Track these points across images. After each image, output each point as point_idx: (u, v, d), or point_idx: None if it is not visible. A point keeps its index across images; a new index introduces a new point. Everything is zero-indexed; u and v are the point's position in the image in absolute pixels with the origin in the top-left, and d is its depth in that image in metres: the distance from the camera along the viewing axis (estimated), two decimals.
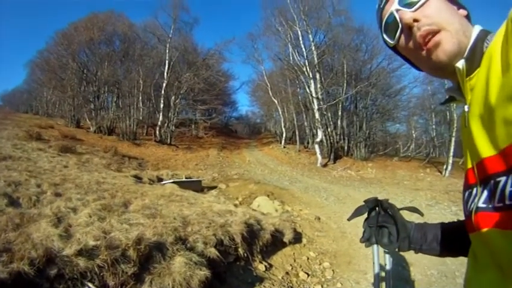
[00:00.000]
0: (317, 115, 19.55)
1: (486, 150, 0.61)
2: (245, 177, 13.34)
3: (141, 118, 25.10)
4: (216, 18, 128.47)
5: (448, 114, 19.19)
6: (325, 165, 18.31)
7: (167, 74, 24.83)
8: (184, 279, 2.77)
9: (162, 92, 24.79)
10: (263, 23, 25.28)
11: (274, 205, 7.87)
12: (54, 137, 15.61)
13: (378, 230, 1.05)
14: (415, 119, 24.87)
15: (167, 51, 25.04)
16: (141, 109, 25.86)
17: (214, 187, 10.88)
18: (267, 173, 15.75)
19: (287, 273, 4.34)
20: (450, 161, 16.51)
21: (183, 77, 25.59)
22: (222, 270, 3.60)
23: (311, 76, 19.87)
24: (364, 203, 1.12)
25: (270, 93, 26.98)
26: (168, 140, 23.84)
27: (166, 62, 24.95)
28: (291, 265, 4.61)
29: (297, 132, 25.60)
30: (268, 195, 8.76)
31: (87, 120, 23.97)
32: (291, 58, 22.02)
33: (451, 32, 0.68)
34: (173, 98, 25.43)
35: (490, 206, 0.61)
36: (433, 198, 10.05)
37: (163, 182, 9.63)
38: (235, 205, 7.13)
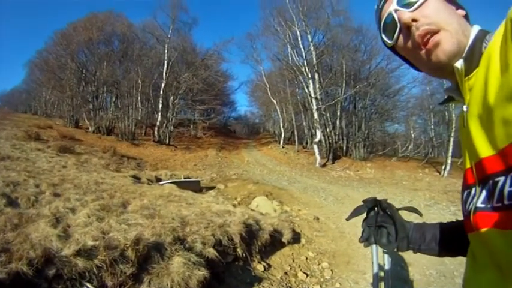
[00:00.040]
0: (316, 115, 19.56)
1: (485, 150, 0.61)
2: (244, 177, 13.34)
3: (139, 118, 25.06)
4: (214, 19, 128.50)
5: (446, 114, 19.24)
6: (323, 166, 18.32)
7: (166, 74, 24.81)
8: (183, 279, 2.77)
9: (161, 92, 24.77)
10: (262, 23, 25.36)
11: (273, 205, 7.86)
12: (52, 137, 15.58)
13: (376, 230, 1.05)
14: (413, 119, 24.95)
15: (166, 51, 25.01)
16: (140, 109, 25.82)
17: (213, 187, 10.87)
18: (266, 173, 15.75)
19: (286, 273, 4.34)
20: (449, 161, 16.54)
21: (182, 77, 25.57)
22: (221, 270, 3.60)
23: (310, 76, 19.88)
24: (362, 203, 1.12)
25: (269, 94, 27.00)
26: (167, 140, 23.81)
27: (165, 62, 24.92)
28: (289, 265, 4.61)
29: (295, 133, 25.62)
30: (267, 196, 8.75)
31: (86, 120, 23.91)
32: (290, 58, 22.04)
33: (451, 32, 0.68)
34: (172, 98, 25.40)
35: (489, 206, 0.61)
36: (431, 198, 10.05)
37: (162, 182, 9.62)
38: (234, 205, 7.13)
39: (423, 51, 0.71)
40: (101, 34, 25.53)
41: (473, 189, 0.67)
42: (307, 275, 4.39)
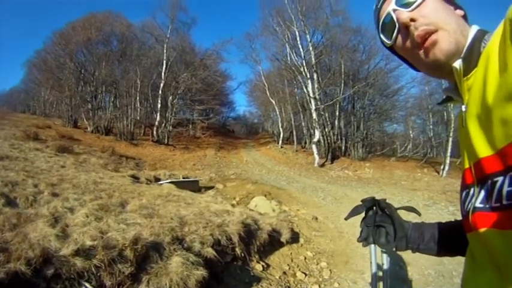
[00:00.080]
0: (314, 115, 19.55)
1: (483, 150, 0.61)
2: (242, 177, 13.34)
3: (138, 118, 24.99)
4: (213, 19, 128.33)
5: (445, 114, 19.24)
6: (322, 165, 18.33)
7: (165, 74, 24.79)
8: (182, 279, 2.76)
9: (160, 92, 24.74)
10: (261, 23, 25.29)
11: (272, 205, 7.86)
12: (51, 137, 15.55)
13: (375, 229, 1.05)
14: (412, 119, 24.93)
15: (165, 51, 24.98)
16: (139, 109, 25.73)
17: (212, 187, 10.87)
18: (265, 173, 15.75)
19: (284, 273, 4.34)
20: (447, 161, 16.55)
21: (181, 77, 25.57)
22: (219, 270, 3.60)
23: (308, 76, 19.87)
24: (361, 203, 1.12)
25: (268, 94, 26.96)
26: (166, 140, 23.77)
27: (164, 62, 24.88)
28: (288, 265, 4.61)
29: (294, 133, 25.64)
30: (265, 195, 8.75)
31: (85, 120, 23.86)
32: (289, 58, 22.01)
33: (449, 31, 0.68)
34: (171, 98, 25.40)
35: (487, 206, 0.61)
36: (430, 198, 10.07)
37: (161, 182, 9.61)
38: (233, 205, 7.13)
39: (421, 51, 0.71)
40: (99, 34, 25.48)
41: (472, 189, 0.67)
42: (305, 275, 4.40)
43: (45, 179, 5.83)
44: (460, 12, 0.76)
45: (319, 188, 11.44)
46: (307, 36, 20.65)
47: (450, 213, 7.96)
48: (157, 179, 10.53)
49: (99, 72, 24.23)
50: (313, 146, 19.07)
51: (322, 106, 20.07)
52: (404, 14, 0.72)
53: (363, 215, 1.11)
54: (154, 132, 24.02)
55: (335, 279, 4.36)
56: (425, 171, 17.26)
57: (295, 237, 5.50)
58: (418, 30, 0.69)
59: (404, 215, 1.05)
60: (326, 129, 20.33)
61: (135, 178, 9.44)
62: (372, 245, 1.11)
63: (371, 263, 1.23)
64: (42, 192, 4.79)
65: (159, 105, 24.75)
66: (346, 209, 7.18)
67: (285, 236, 5.16)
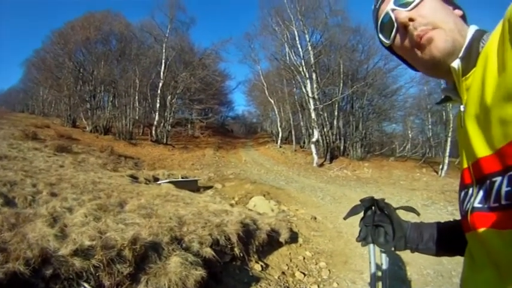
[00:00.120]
0: (313, 115, 19.57)
1: (482, 150, 0.61)
2: (241, 177, 13.34)
3: (137, 118, 24.97)
4: (212, 18, 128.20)
5: (444, 114, 19.30)
6: (321, 165, 18.35)
7: (163, 73, 24.80)
8: (180, 279, 2.76)
9: (159, 91, 24.72)
10: (260, 22, 25.31)
11: (270, 205, 7.86)
12: (50, 137, 15.53)
13: (374, 229, 1.05)
14: (411, 119, 24.96)
15: (164, 50, 24.97)
16: (138, 109, 25.71)
17: (210, 187, 10.87)
18: (263, 172, 15.75)
19: (283, 273, 4.34)
20: (446, 161, 16.58)
21: (180, 76, 25.56)
22: (218, 270, 3.60)
23: (307, 76, 19.90)
24: (360, 202, 1.12)
25: (267, 93, 26.96)
26: (164, 140, 23.76)
27: (163, 61, 24.89)
28: (287, 265, 4.61)
29: (293, 132, 25.67)
30: (264, 195, 8.76)
31: (83, 119, 23.82)
32: (288, 58, 21.98)
33: (445, 29, 0.68)
34: (169, 97, 25.38)
35: (486, 206, 0.61)
36: (429, 198, 10.09)
37: (160, 182, 9.62)
38: (231, 205, 7.13)
39: (419, 50, 0.71)
40: (98, 33, 25.46)
41: (471, 189, 0.67)
42: (304, 275, 4.40)
43: (44, 179, 5.82)
44: (458, 12, 0.77)
45: (318, 188, 11.45)
46: (306, 36, 20.70)
47: (449, 213, 7.98)
48: (156, 179, 10.52)
49: (97, 72, 24.21)
50: (312, 146, 19.10)
51: (321, 106, 20.09)
52: (403, 14, 0.72)
53: (361, 214, 1.11)
54: (153, 132, 24.00)
55: (334, 279, 4.36)
56: (424, 171, 17.29)
57: (294, 237, 5.50)
58: (417, 30, 0.70)
59: (403, 215, 1.05)
60: (325, 129, 20.35)
61: (134, 178, 9.43)
62: (371, 245, 1.11)
63: (370, 262, 1.23)
64: (40, 192, 4.78)
65: (157, 105, 24.72)
66: (345, 208, 7.19)
67: (284, 236, 5.16)
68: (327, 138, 20.21)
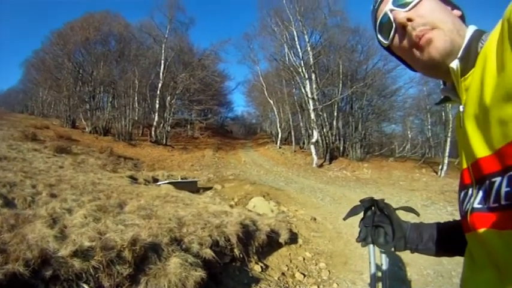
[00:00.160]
0: (313, 116, 19.57)
1: (481, 150, 0.61)
2: (241, 177, 13.33)
3: (136, 118, 24.97)
4: (212, 19, 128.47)
5: (443, 114, 19.29)
6: (320, 166, 18.34)
7: (163, 74, 24.80)
8: (180, 280, 2.76)
9: (158, 92, 24.72)
10: (259, 23, 25.28)
11: (270, 206, 7.86)
12: (49, 138, 15.51)
13: (373, 229, 1.05)
14: (410, 119, 24.94)
15: (163, 51, 24.97)
16: (137, 109, 25.70)
17: (210, 188, 10.85)
18: (263, 173, 15.75)
19: (283, 273, 4.34)
20: (446, 161, 16.57)
21: (179, 77, 25.57)
22: (218, 271, 3.60)
23: (307, 77, 19.91)
24: (360, 203, 1.12)
25: (266, 94, 26.96)
26: (164, 141, 23.74)
27: (162, 62, 24.90)
28: (287, 266, 4.61)
29: (292, 133, 25.63)
30: (263, 196, 8.74)
31: (83, 120, 23.80)
32: (287, 58, 21.97)
33: (444, 30, 0.69)
34: (169, 98, 25.38)
35: (486, 206, 0.61)
36: (428, 198, 10.09)
37: (159, 183, 9.61)
38: (231, 206, 7.12)
39: (418, 50, 0.72)
40: (97, 34, 25.41)
41: (470, 190, 0.67)
42: (304, 276, 4.40)
43: (43, 180, 5.82)
44: (457, 12, 0.77)
45: (318, 189, 11.45)
46: (306, 36, 20.70)
47: (448, 213, 7.99)
48: (155, 180, 10.51)
49: (97, 72, 24.18)
50: (312, 147, 19.10)
51: (321, 106, 20.11)
52: (401, 14, 0.72)
53: (361, 215, 1.11)
54: (153, 133, 24.00)
55: (334, 280, 4.36)
56: (423, 172, 17.29)
57: (293, 238, 5.50)
58: (415, 30, 0.70)
59: (403, 215, 1.05)
60: (324, 130, 20.36)
61: (133, 179, 9.43)
62: (371, 245, 1.11)
63: (370, 263, 1.23)
64: (40, 193, 4.78)
65: (157, 106, 24.74)
66: (344, 209, 7.19)
67: (284, 236, 5.16)
68: (327, 138, 20.21)
